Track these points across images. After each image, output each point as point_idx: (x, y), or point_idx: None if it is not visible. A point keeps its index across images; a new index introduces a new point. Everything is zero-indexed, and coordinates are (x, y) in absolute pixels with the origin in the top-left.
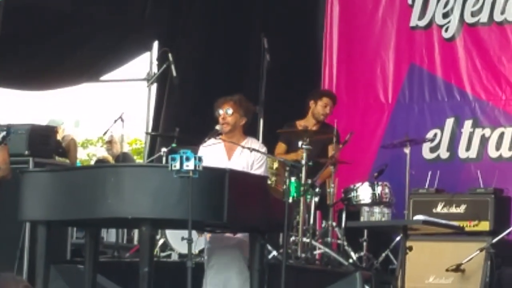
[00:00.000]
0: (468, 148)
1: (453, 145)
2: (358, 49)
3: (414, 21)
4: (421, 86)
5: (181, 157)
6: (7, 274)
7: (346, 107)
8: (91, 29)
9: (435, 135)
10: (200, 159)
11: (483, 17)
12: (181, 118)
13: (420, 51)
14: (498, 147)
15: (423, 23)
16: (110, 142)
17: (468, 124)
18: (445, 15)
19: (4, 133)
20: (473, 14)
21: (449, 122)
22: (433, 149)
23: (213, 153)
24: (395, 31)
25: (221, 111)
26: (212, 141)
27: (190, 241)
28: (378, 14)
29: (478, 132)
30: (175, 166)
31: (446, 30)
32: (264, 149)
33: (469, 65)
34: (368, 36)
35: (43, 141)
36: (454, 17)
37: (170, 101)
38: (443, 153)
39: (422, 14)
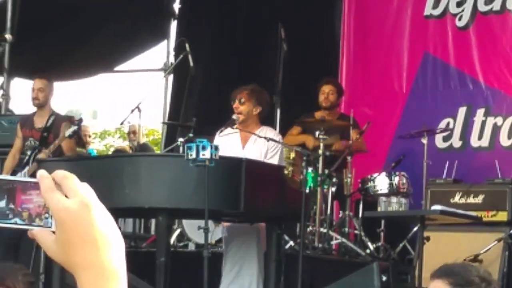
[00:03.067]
0: (480, 137)
1: (465, 134)
2: (373, 39)
3: (428, 10)
4: (435, 75)
5: (197, 146)
6: (6, 263)
7: (362, 96)
8: (105, 18)
9: (448, 124)
10: (216, 148)
11: (496, 5)
12: (198, 108)
13: (433, 40)
14: (510, 135)
15: (437, 12)
16: (134, 133)
17: (480, 112)
18: (459, 4)
19: (76, 127)
20: (486, 3)
21: (462, 111)
22: (445, 138)
23: (228, 142)
24: (409, 20)
25: (235, 101)
26: (228, 130)
27: (206, 230)
28: (393, 3)
29: (490, 120)
30: (191, 155)
31: (460, 18)
32: (279, 138)
33: (481, 54)
34: (383, 25)
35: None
36: (468, 6)
37: (187, 91)
38: (456, 142)
39: (436, 3)
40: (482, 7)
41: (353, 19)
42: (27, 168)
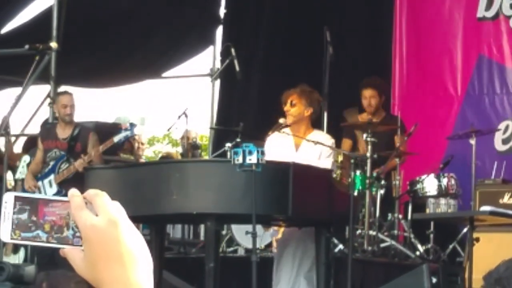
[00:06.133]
0: None
1: None
2: (426, 42)
3: (481, 12)
4: (491, 77)
5: (243, 151)
6: (58, 271)
7: (416, 99)
8: (152, 25)
9: (507, 126)
10: (262, 153)
11: None
12: (245, 112)
13: (488, 42)
14: None
15: (490, 14)
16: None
17: None
18: None
19: (127, 133)
20: None
21: None
22: (505, 141)
23: (281, 145)
24: (462, 22)
25: (287, 103)
26: (276, 134)
27: (254, 235)
28: (445, 6)
29: None
30: (237, 160)
31: None
32: (331, 141)
33: None
34: (435, 28)
35: (107, 138)
36: None
37: (234, 96)
38: None
39: (488, 5)
40: None
41: (406, 22)
42: (52, 176)
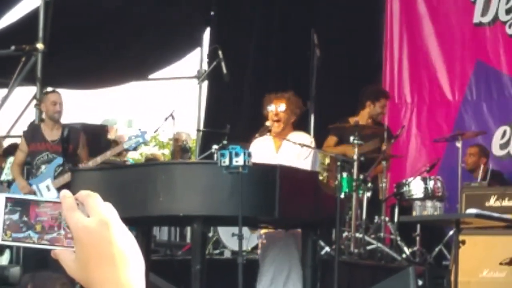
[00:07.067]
0: None
1: None
2: (421, 46)
3: (477, 17)
4: (488, 83)
5: (230, 153)
6: (44, 272)
7: (411, 104)
8: (139, 26)
9: (505, 132)
10: (249, 155)
11: None
12: (232, 114)
13: (485, 48)
14: None
15: (486, 19)
16: (177, 141)
17: None
18: (508, 11)
19: (139, 139)
20: None
21: None
22: (503, 146)
23: (262, 146)
24: (459, 27)
25: (273, 107)
26: (262, 138)
27: (240, 237)
28: (441, 11)
29: None
30: (224, 162)
31: (510, 26)
32: (311, 140)
33: None
34: (431, 33)
35: (94, 139)
36: None
37: (221, 98)
38: None
39: (485, 11)
40: None
41: (398, 27)
42: (49, 181)
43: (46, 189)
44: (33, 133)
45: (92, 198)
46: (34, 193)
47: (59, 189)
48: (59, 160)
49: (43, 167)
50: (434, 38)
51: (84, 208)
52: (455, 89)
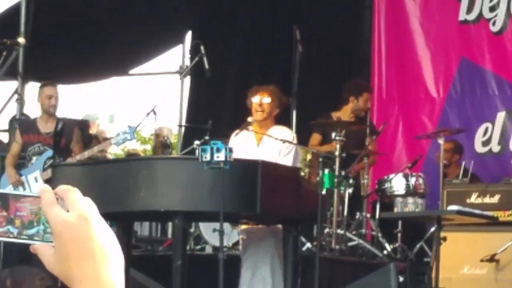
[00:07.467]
0: None
1: (504, 139)
2: (407, 44)
3: (462, 15)
4: (472, 80)
5: (211, 149)
6: (23, 268)
7: (397, 101)
8: (120, 22)
9: (486, 129)
10: (231, 150)
11: None
12: (214, 110)
13: (470, 45)
14: None
15: (471, 17)
16: (158, 136)
17: None
18: (492, 9)
19: (127, 136)
20: None
21: (500, 116)
22: (485, 143)
23: (243, 141)
24: (444, 25)
25: (257, 98)
26: (244, 133)
27: (221, 233)
28: (427, 8)
29: None
30: (205, 158)
31: (494, 23)
32: (293, 135)
33: None
34: (417, 30)
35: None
36: (501, 10)
37: (203, 94)
38: (495, 147)
39: (470, 8)
40: None
41: (384, 25)
42: (38, 172)
43: (34, 180)
44: (28, 124)
45: (71, 193)
46: (23, 184)
47: (47, 181)
48: (50, 152)
49: (34, 158)
50: (420, 35)
51: (64, 203)
52: (439, 86)
